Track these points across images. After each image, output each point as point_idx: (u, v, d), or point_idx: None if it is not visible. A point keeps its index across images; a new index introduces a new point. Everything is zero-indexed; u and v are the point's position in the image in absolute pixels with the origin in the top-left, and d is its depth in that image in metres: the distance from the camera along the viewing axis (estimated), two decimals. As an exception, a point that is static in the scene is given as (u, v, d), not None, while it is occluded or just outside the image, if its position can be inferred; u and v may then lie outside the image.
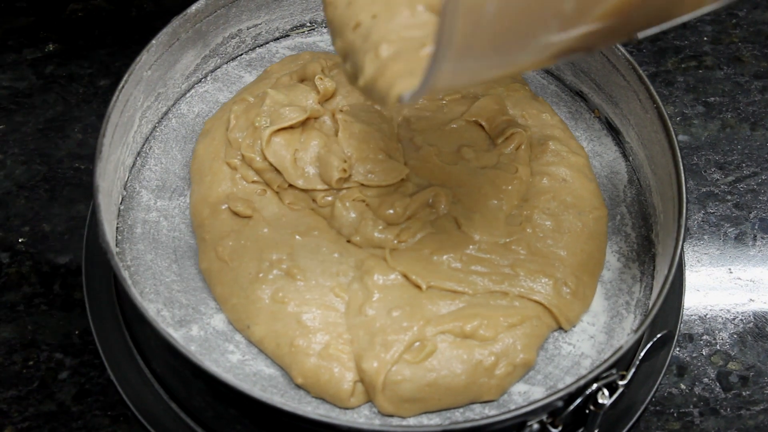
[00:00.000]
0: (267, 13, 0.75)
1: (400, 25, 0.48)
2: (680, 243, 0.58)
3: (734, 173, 0.78)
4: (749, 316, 0.71)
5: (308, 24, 0.77)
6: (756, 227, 0.75)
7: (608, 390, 0.54)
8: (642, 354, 0.57)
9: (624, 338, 0.62)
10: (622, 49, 0.67)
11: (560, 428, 0.55)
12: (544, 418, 0.55)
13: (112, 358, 0.64)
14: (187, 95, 0.73)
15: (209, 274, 0.63)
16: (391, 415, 0.58)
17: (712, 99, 0.82)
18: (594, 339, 0.62)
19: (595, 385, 0.54)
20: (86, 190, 0.74)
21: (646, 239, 0.67)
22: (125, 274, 0.60)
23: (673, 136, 0.62)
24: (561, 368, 0.61)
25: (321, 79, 0.68)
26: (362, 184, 0.65)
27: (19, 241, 0.72)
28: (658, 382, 0.64)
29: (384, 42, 0.47)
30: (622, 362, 0.56)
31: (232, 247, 0.63)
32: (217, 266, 0.63)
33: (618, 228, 0.67)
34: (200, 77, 0.74)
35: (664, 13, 0.47)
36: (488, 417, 0.54)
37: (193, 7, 0.68)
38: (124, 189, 0.67)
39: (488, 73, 0.46)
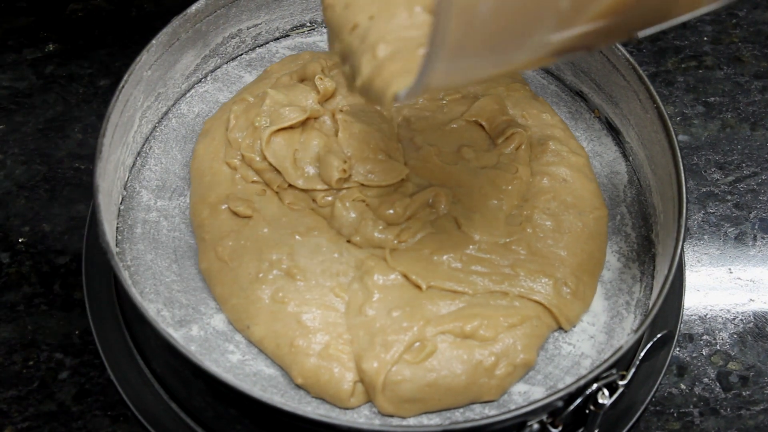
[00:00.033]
0: (267, 13, 0.75)
1: (397, 25, 0.48)
2: (680, 243, 0.58)
3: (734, 173, 0.78)
4: (749, 316, 0.71)
5: (308, 24, 0.77)
6: (756, 227, 0.75)
7: (608, 390, 0.54)
8: (642, 354, 0.57)
9: (624, 338, 0.62)
10: (622, 49, 0.67)
11: (560, 428, 0.55)
12: (544, 418, 0.55)
13: (112, 358, 0.64)
14: (187, 95, 0.73)
15: (209, 274, 0.63)
16: (391, 416, 0.58)
17: (712, 99, 0.82)
18: (594, 339, 0.62)
19: (595, 385, 0.54)
20: (86, 190, 0.74)
21: (646, 239, 0.67)
22: (125, 274, 0.60)
23: (673, 136, 0.62)
24: (561, 368, 0.61)
25: (321, 79, 0.68)
26: (362, 184, 0.65)
27: (19, 241, 0.72)
28: (658, 382, 0.64)
29: (381, 42, 0.47)
30: (622, 362, 0.56)
31: (232, 247, 0.63)
32: (217, 266, 0.63)
33: (618, 228, 0.67)
34: (200, 77, 0.74)
35: (661, 13, 0.47)
36: (488, 417, 0.54)
37: (193, 7, 0.68)
38: (124, 189, 0.67)
39: (484, 71, 0.46)
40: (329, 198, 0.65)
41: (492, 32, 0.39)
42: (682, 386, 0.67)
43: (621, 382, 0.55)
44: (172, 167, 0.69)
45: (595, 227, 0.66)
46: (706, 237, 0.75)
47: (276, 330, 0.60)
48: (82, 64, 0.82)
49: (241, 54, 0.76)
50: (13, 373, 0.66)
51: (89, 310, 0.65)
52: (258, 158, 0.65)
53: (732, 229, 0.75)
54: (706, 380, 0.68)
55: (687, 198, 0.60)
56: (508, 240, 0.64)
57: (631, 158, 0.71)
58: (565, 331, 0.63)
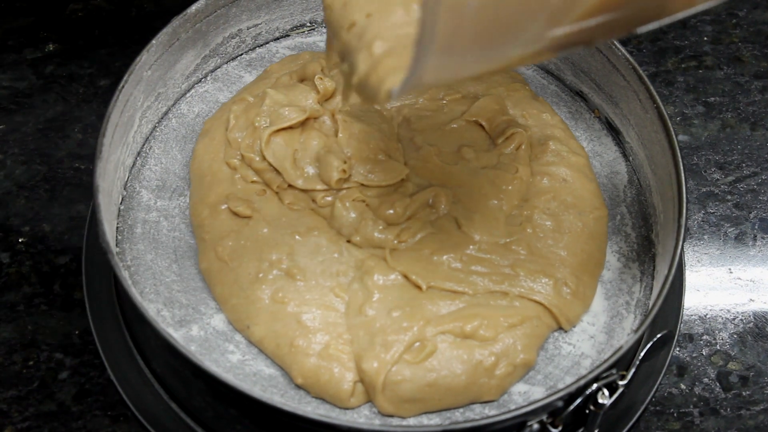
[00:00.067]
0: (267, 13, 0.75)
1: (394, 23, 0.48)
2: (680, 243, 0.58)
3: (734, 173, 0.78)
4: (749, 316, 0.71)
5: (308, 24, 0.77)
6: (756, 227, 0.75)
7: (608, 390, 0.54)
8: (642, 354, 0.57)
9: (624, 338, 0.62)
10: (622, 49, 0.67)
11: (560, 428, 0.55)
12: (544, 418, 0.55)
13: (112, 358, 0.64)
14: (187, 95, 0.73)
15: (209, 274, 0.63)
16: (391, 416, 0.58)
17: (712, 99, 0.82)
18: (594, 339, 0.62)
19: (595, 385, 0.54)
20: (86, 190, 0.74)
21: (646, 239, 0.67)
22: (125, 274, 0.60)
23: (673, 136, 0.62)
24: (561, 368, 0.61)
25: (321, 78, 0.68)
26: (362, 184, 0.65)
27: (19, 241, 0.72)
28: (658, 382, 0.64)
29: (378, 39, 0.48)
30: (622, 362, 0.56)
31: (232, 248, 0.63)
32: (216, 266, 0.63)
33: (618, 228, 0.67)
34: (200, 77, 0.74)
35: (655, 10, 0.46)
36: (488, 417, 0.54)
37: (193, 7, 0.68)
38: (124, 189, 0.67)
39: (478, 67, 0.46)
40: (329, 198, 0.65)
41: (482, 27, 0.39)
42: (682, 386, 0.67)
43: (621, 382, 0.55)
44: (172, 167, 0.69)
45: (595, 227, 0.66)
46: (706, 237, 0.75)
47: (276, 330, 0.60)
48: (82, 64, 0.82)
49: (241, 54, 0.76)
50: (13, 373, 0.66)
51: (89, 310, 0.65)
52: (258, 158, 0.65)
53: (732, 229, 0.75)
54: (706, 380, 0.68)
55: (687, 198, 0.60)
56: (508, 240, 0.64)
57: (631, 158, 0.71)
58: (565, 331, 0.63)
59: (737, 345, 0.69)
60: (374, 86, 0.47)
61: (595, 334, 0.63)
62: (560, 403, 0.54)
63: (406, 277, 0.61)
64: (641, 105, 0.66)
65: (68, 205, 0.73)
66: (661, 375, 0.64)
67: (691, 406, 0.66)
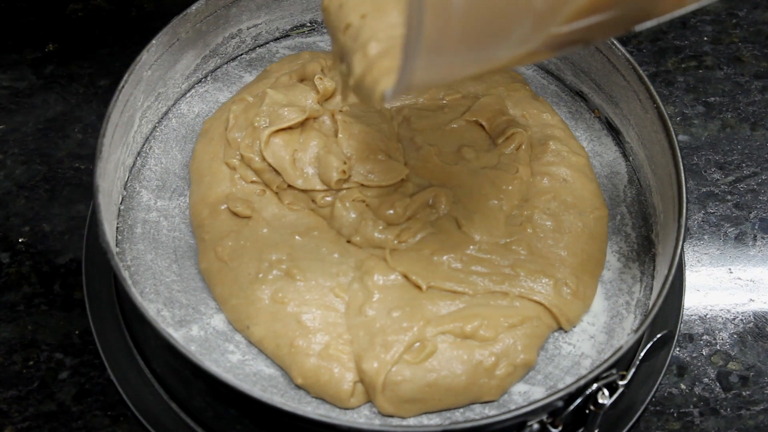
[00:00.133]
0: (267, 13, 0.74)
1: (389, 24, 0.48)
2: (680, 243, 0.58)
3: (734, 173, 0.78)
4: (749, 316, 0.71)
5: (308, 24, 0.77)
6: (756, 227, 0.75)
7: (608, 390, 0.54)
8: (642, 354, 0.57)
9: (624, 338, 0.62)
10: (622, 49, 0.67)
11: (560, 428, 0.55)
12: (544, 418, 0.55)
13: (112, 358, 0.64)
14: (187, 95, 0.73)
15: (209, 275, 0.63)
16: (391, 416, 0.58)
17: (712, 99, 0.82)
18: (594, 339, 0.62)
19: (595, 385, 0.54)
20: (86, 190, 0.74)
21: (646, 239, 0.67)
22: (125, 274, 0.60)
23: (673, 136, 0.62)
24: (561, 368, 0.61)
25: (321, 78, 0.68)
26: (362, 185, 0.65)
27: (19, 241, 0.72)
28: (658, 382, 0.64)
29: (372, 40, 0.48)
30: (622, 362, 0.56)
31: (232, 248, 0.63)
32: (216, 266, 0.63)
33: (618, 228, 0.67)
34: (200, 77, 0.74)
35: (645, 10, 0.46)
36: (488, 417, 0.54)
37: (193, 7, 0.68)
38: (124, 189, 0.67)
39: (470, 68, 0.45)
40: (329, 198, 0.65)
41: (469, 27, 0.39)
42: (682, 386, 0.67)
43: (621, 382, 0.55)
44: (172, 167, 0.69)
45: (596, 227, 0.66)
46: (706, 237, 0.75)
47: (276, 330, 0.60)
48: (82, 64, 0.82)
49: (241, 54, 0.76)
50: (13, 373, 0.66)
51: (89, 310, 0.65)
52: (257, 158, 0.65)
53: (732, 229, 0.75)
54: (706, 380, 0.68)
55: (687, 198, 0.60)
56: (508, 240, 0.64)
57: (631, 158, 0.71)
58: (565, 331, 0.63)
59: (737, 345, 0.69)
60: (369, 88, 0.47)
61: (595, 334, 0.63)
62: (560, 403, 0.54)
63: (406, 277, 0.61)
64: (641, 105, 0.66)
65: (68, 205, 0.73)
66: (661, 375, 0.64)
67: (691, 406, 0.66)
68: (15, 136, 0.77)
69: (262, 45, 0.76)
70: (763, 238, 0.75)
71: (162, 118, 0.71)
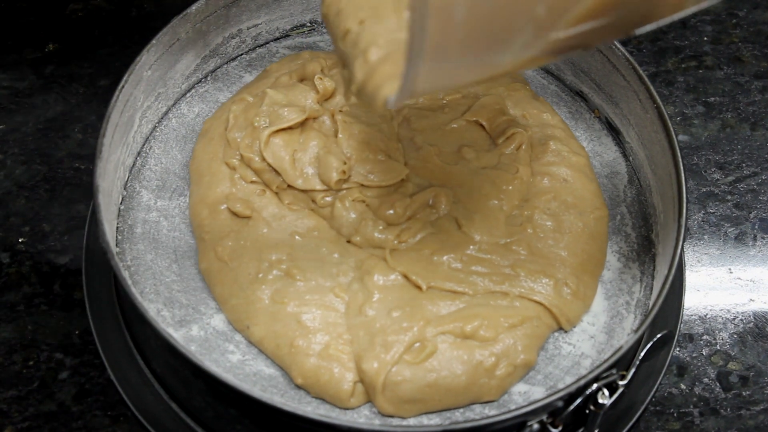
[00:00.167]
0: (267, 13, 0.74)
1: (387, 29, 0.48)
2: (680, 243, 0.58)
3: (734, 173, 0.78)
4: (749, 316, 0.71)
5: (308, 24, 0.77)
6: (756, 227, 0.75)
7: (608, 390, 0.54)
8: (642, 354, 0.57)
9: (624, 338, 0.62)
10: (622, 49, 0.67)
11: (560, 428, 0.55)
12: (544, 418, 0.55)
13: (112, 358, 0.64)
14: (187, 95, 0.73)
15: (209, 275, 0.63)
16: (391, 416, 0.58)
17: (712, 99, 0.82)
18: (594, 339, 0.62)
19: (595, 385, 0.54)
20: (86, 190, 0.74)
21: (646, 239, 0.67)
22: (125, 274, 0.60)
23: (673, 136, 0.62)
24: (561, 368, 0.61)
25: (320, 78, 0.68)
26: (362, 185, 0.65)
27: (19, 241, 0.72)
28: (658, 382, 0.64)
29: (373, 46, 0.48)
30: (622, 362, 0.56)
31: (232, 248, 0.63)
32: (216, 266, 0.63)
33: (618, 228, 0.67)
34: (200, 77, 0.74)
35: (644, 16, 0.47)
36: (488, 417, 0.54)
37: (193, 7, 0.68)
38: (124, 189, 0.67)
39: (471, 74, 0.46)
40: (329, 198, 0.65)
41: (471, 36, 0.39)
42: (682, 386, 0.67)
43: (621, 382, 0.55)
44: (172, 167, 0.69)
45: (596, 227, 0.66)
46: (706, 237, 0.75)
47: (276, 330, 0.60)
48: (82, 64, 0.82)
49: (241, 54, 0.76)
50: (13, 373, 0.66)
51: (89, 310, 0.65)
52: (257, 158, 0.65)
53: (732, 229, 0.75)
54: (706, 380, 0.68)
55: (687, 198, 0.60)
56: (508, 240, 0.64)
57: (631, 158, 0.71)
58: (566, 331, 0.63)
59: (737, 345, 0.69)
60: (371, 93, 0.47)
61: (595, 334, 0.63)
62: (560, 403, 0.54)
63: (406, 277, 0.61)
64: (641, 105, 0.66)
65: (68, 205, 0.73)
66: (661, 375, 0.64)
67: (691, 406, 0.66)
68: (15, 136, 0.77)
69: (262, 45, 0.76)
70: (763, 238, 0.75)
71: (162, 118, 0.71)
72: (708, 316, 0.71)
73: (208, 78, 0.74)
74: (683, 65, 0.85)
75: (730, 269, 0.73)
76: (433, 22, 0.37)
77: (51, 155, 0.76)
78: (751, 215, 0.76)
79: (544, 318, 0.61)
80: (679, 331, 0.67)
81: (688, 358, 0.68)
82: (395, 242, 0.63)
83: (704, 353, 0.69)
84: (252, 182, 0.66)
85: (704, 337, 0.70)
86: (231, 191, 0.65)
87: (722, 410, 0.66)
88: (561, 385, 0.60)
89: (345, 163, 0.64)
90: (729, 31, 0.87)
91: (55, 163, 0.76)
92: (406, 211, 0.64)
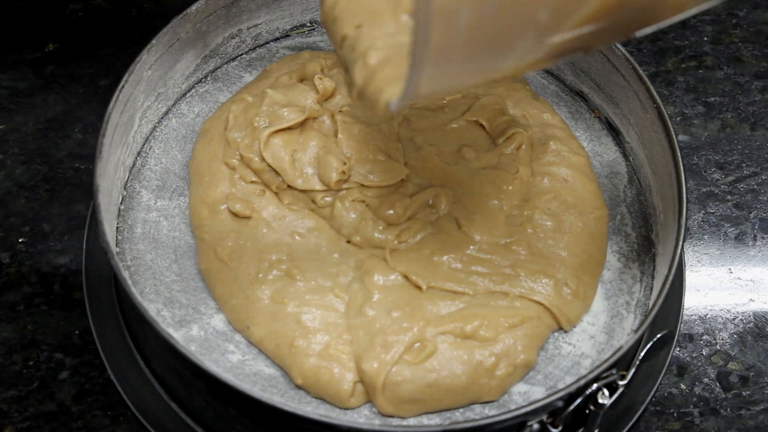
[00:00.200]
0: (267, 13, 0.74)
1: (385, 32, 0.48)
2: (680, 243, 0.58)
3: (734, 173, 0.78)
4: (749, 316, 0.71)
5: (308, 24, 0.77)
6: (756, 227, 0.75)
7: (608, 390, 0.54)
8: (642, 354, 0.57)
9: (624, 338, 0.62)
10: (622, 49, 0.67)
11: (560, 428, 0.55)
12: (544, 418, 0.55)
13: (112, 358, 0.64)
14: (187, 95, 0.73)
15: (209, 275, 0.63)
16: (391, 416, 0.58)
17: (712, 99, 0.82)
18: (594, 339, 0.62)
19: (595, 385, 0.54)
20: (86, 190, 0.74)
21: (646, 239, 0.67)
22: (125, 274, 0.60)
23: (673, 136, 0.62)
24: (561, 368, 0.61)
25: (320, 78, 0.68)
26: (362, 185, 0.65)
27: (19, 241, 0.72)
28: (658, 382, 0.64)
29: (372, 50, 0.48)
30: (622, 362, 0.56)
31: (232, 248, 0.63)
32: (216, 266, 0.63)
33: (618, 228, 0.67)
34: (200, 77, 0.74)
35: (646, 18, 0.47)
36: (488, 417, 0.54)
37: (193, 7, 0.68)
38: (124, 189, 0.67)
39: (473, 78, 0.46)
40: (329, 198, 0.65)
41: (474, 40, 0.40)
42: (682, 386, 0.67)
43: (621, 382, 0.55)
44: (172, 167, 0.69)
45: (596, 227, 0.66)
46: (706, 237, 0.75)
47: (276, 330, 0.60)
48: (82, 64, 0.82)
49: (241, 54, 0.76)
50: (13, 373, 0.66)
51: (89, 310, 0.65)
52: (256, 158, 0.65)
53: (732, 229, 0.75)
54: (706, 380, 0.68)
55: (687, 198, 0.60)
56: (508, 240, 0.64)
57: (631, 158, 0.71)
58: (566, 332, 0.63)
59: (737, 345, 0.69)
60: (372, 97, 0.47)
61: (595, 334, 0.63)
62: (560, 403, 0.54)
63: (406, 277, 0.61)
64: (641, 105, 0.66)
65: (68, 205, 0.73)
66: (661, 375, 0.64)
67: (691, 406, 0.66)
68: (15, 136, 0.77)
69: (262, 45, 0.76)
70: (763, 238, 0.75)
71: (162, 118, 0.71)
72: (708, 316, 0.71)
73: (208, 78, 0.74)
74: (683, 65, 0.85)
75: (730, 269, 0.73)
76: (436, 27, 0.37)
77: (51, 155, 0.76)
78: (751, 215, 0.76)
79: (544, 318, 0.61)
80: (679, 331, 0.67)
81: (688, 358, 0.68)
82: (395, 242, 0.63)
83: (704, 353, 0.69)
84: (252, 182, 0.66)
85: (704, 337, 0.70)
86: (231, 191, 0.65)
87: (722, 410, 0.66)
88: (561, 385, 0.60)
89: (345, 164, 0.64)
90: (729, 31, 0.87)
91: (55, 163, 0.76)
92: (406, 211, 0.64)
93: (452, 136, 0.69)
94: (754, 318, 0.71)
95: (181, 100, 0.72)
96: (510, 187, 0.66)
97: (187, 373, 0.59)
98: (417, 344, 0.59)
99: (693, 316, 0.70)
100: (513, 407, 0.57)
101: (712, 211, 0.76)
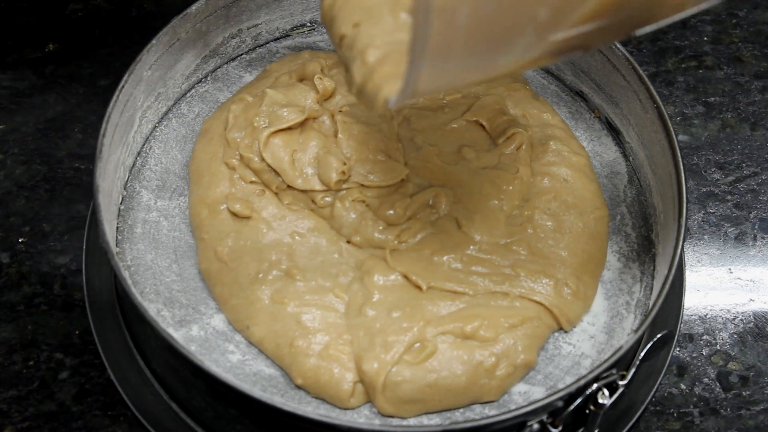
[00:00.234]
0: (267, 13, 0.74)
1: (384, 30, 0.48)
2: (680, 243, 0.58)
3: (734, 173, 0.78)
4: (749, 316, 0.71)
5: (308, 24, 0.77)
6: (756, 227, 0.75)
7: (608, 390, 0.54)
8: (642, 354, 0.57)
9: (624, 338, 0.62)
10: (622, 49, 0.67)
11: (560, 428, 0.55)
12: (544, 418, 0.55)
13: (112, 358, 0.64)
14: (187, 95, 0.73)
15: (209, 275, 0.63)
16: (391, 416, 0.58)
17: (712, 99, 0.82)
18: (594, 339, 0.62)
19: (595, 385, 0.54)
20: (86, 190, 0.74)
21: (646, 239, 0.67)
22: (125, 274, 0.60)
23: (673, 136, 0.62)
24: (561, 368, 0.61)
25: (320, 78, 0.68)
26: (362, 185, 0.65)
27: (19, 241, 0.72)
28: (658, 382, 0.64)
29: (370, 47, 0.48)
30: (622, 362, 0.56)
31: (232, 248, 0.63)
32: (216, 266, 0.63)
33: (618, 228, 0.67)
34: (200, 77, 0.74)
35: (645, 17, 0.47)
36: (488, 417, 0.54)
37: (193, 7, 0.68)
38: (124, 189, 0.67)
39: (473, 75, 0.46)
40: (329, 198, 0.65)
41: (474, 38, 0.40)
42: (682, 386, 0.67)
43: (621, 382, 0.55)
44: (172, 167, 0.69)
45: (596, 227, 0.66)
46: (706, 237, 0.75)
47: (276, 330, 0.60)
48: (82, 64, 0.82)
49: (241, 54, 0.76)
50: (13, 373, 0.66)
51: (89, 310, 0.65)
52: (256, 159, 0.65)
53: (732, 229, 0.75)
54: (706, 380, 0.68)
55: (687, 198, 0.60)
56: (508, 240, 0.64)
57: (631, 158, 0.71)
58: (566, 332, 0.63)
59: (737, 345, 0.69)
60: (371, 94, 0.47)
61: (595, 334, 0.63)
62: (560, 403, 0.54)
63: (406, 277, 0.61)
64: (641, 105, 0.66)
65: (68, 205, 0.73)
66: (661, 375, 0.64)
67: (691, 406, 0.66)
68: (15, 136, 0.77)
69: (262, 45, 0.76)
70: (763, 238, 0.75)
71: (162, 118, 0.71)
72: (708, 316, 0.71)
73: (208, 78, 0.74)
74: (683, 65, 0.85)
75: (730, 269, 0.73)
76: (435, 24, 0.37)
77: (51, 155, 0.76)
78: (751, 215, 0.76)
79: (545, 318, 0.61)
80: (679, 331, 0.67)
81: (688, 358, 0.68)
82: (395, 242, 0.63)
83: (704, 353, 0.69)
84: (251, 182, 0.66)
85: (704, 337, 0.70)
86: (230, 191, 0.65)
87: (722, 410, 0.66)
88: (561, 385, 0.60)
89: (345, 164, 0.64)
90: (729, 31, 0.87)
91: (55, 163, 0.76)
92: (406, 211, 0.64)
93: (452, 136, 0.69)
94: (754, 318, 0.71)
95: (181, 100, 0.72)
96: (510, 187, 0.66)
97: (187, 373, 0.59)
98: (417, 344, 0.59)
99: (693, 316, 0.70)
100: (513, 407, 0.57)
101: (712, 211, 0.76)
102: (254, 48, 0.76)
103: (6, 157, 0.76)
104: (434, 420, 0.59)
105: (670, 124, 0.63)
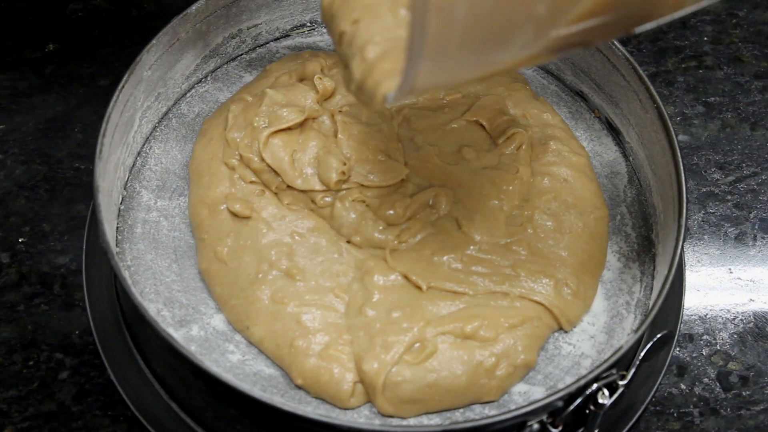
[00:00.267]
0: (267, 13, 0.74)
1: (383, 27, 0.48)
2: (680, 243, 0.58)
3: (734, 173, 0.78)
4: (749, 316, 0.71)
5: (308, 24, 0.77)
6: (756, 227, 0.75)
7: (608, 390, 0.54)
8: (642, 354, 0.57)
9: (624, 338, 0.62)
10: (622, 49, 0.67)
11: (560, 428, 0.55)
12: (544, 418, 0.55)
13: (112, 358, 0.64)
14: (187, 95, 0.73)
15: (208, 275, 0.63)
16: (391, 416, 0.58)
17: (712, 99, 0.82)
18: (594, 339, 0.62)
19: (595, 385, 0.54)
20: (86, 190, 0.74)
21: (646, 239, 0.67)
22: (125, 274, 0.60)
23: (673, 136, 0.62)
24: (561, 368, 0.61)
25: (320, 78, 0.68)
26: (362, 185, 0.65)
27: (19, 241, 0.72)
28: (658, 382, 0.64)
29: (369, 44, 0.48)
30: (622, 362, 0.56)
31: (231, 248, 0.63)
32: (216, 266, 0.63)
33: (618, 228, 0.67)
34: (200, 77, 0.74)
35: (645, 13, 0.47)
36: (488, 417, 0.54)
37: (193, 7, 0.68)
38: (124, 189, 0.67)
39: (471, 72, 0.46)
40: (328, 198, 0.65)
41: (472, 34, 0.40)
42: (682, 386, 0.67)
43: (621, 382, 0.55)
44: (172, 167, 0.69)
45: (596, 227, 0.66)
46: (706, 237, 0.75)
47: (276, 330, 0.60)
48: (82, 64, 0.82)
49: (241, 54, 0.76)
50: (13, 373, 0.66)
51: (89, 310, 0.65)
52: (256, 159, 0.65)
53: (732, 229, 0.75)
54: (706, 380, 0.68)
55: (687, 198, 0.60)
56: (508, 240, 0.64)
57: (631, 158, 0.71)
58: (566, 332, 0.63)
59: (737, 345, 0.69)
60: (370, 91, 0.47)
61: (595, 334, 0.63)
62: (560, 403, 0.54)
63: (406, 277, 0.61)
64: (641, 105, 0.66)
65: (68, 205, 0.73)
66: (661, 375, 0.64)
67: (691, 406, 0.66)
68: (15, 136, 0.77)
69: (262, 45, 0.76)
70: (763, 238, 0.75)
71: (162, 118, 0.71)
72: (708, 316, 0.71)
73: (208, 78, 0.74)
74: (683, 65, 0.85)
75: (730, 269, 0.73)
76: (433, 20, 0.37)
77: (51, 155, 0.76)
78: (751, 215, 0.76)
79: (545, 318, 0.61)
80: (679, 331, 0.67)
81: (688, 358, 0.68)
82: (395, 242, 0.63)
83: (704, 353, 0.69)
84: (251, 182, 0.66)
85: (704, 337, 0.70)
86: (230, 191, 0.65)
87: (722, 410, 0.66)
88: (561, 385, 0.60)
89: (345, 164, 0.64)
90: (729, 31, 0.87)
91: (55, 163, 0.76)
92: (406, 211, 0.64)
93: (452, 136, 0.69)
94: (754, 318, 0.71)
95: (181, 100, 0.72)
96: (510, 187, 0.66)
97: (187, 373, 0.59)
98: (417, 344, 0.59)
99: (693, 316, 0.70)
100: (513, 407, 0.57)
101: (712, 211, 0.76)
102: (254, 48, 0.76)
103: (6, 157, 0.76)
104: (434, 420, 0.59)
105: (670, 124, 0.63)
